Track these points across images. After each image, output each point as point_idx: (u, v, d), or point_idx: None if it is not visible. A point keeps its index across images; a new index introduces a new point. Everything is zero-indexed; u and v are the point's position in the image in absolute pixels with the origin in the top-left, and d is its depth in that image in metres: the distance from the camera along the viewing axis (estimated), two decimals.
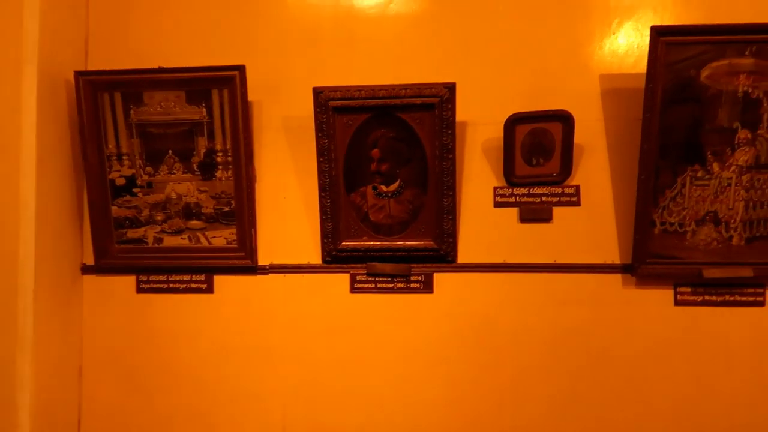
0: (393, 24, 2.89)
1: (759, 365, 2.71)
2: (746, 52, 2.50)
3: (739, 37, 2.48)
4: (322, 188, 2.79)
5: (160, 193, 2.92)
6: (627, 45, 2.77)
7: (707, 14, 2.71)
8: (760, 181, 2.59)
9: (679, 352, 2.75)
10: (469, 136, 2.82)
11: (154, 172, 2.91)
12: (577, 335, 2.79)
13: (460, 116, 2.71)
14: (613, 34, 2.79)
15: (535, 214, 2.78)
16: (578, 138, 2.72)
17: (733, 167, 2.59)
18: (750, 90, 2.53)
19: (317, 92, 2.71)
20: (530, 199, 2.78)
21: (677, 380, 2.75)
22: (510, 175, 2.77)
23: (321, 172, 2.78)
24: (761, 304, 2.69)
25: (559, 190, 2.77)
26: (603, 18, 2.80)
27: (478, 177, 2.82)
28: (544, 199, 2.78)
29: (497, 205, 2.81)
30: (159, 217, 2.94)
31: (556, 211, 2.78)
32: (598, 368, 2.79)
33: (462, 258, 2.82)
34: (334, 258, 2.85)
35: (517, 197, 2.79)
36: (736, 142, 2.57)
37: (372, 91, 2.68)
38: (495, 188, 2.81)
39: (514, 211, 2.80)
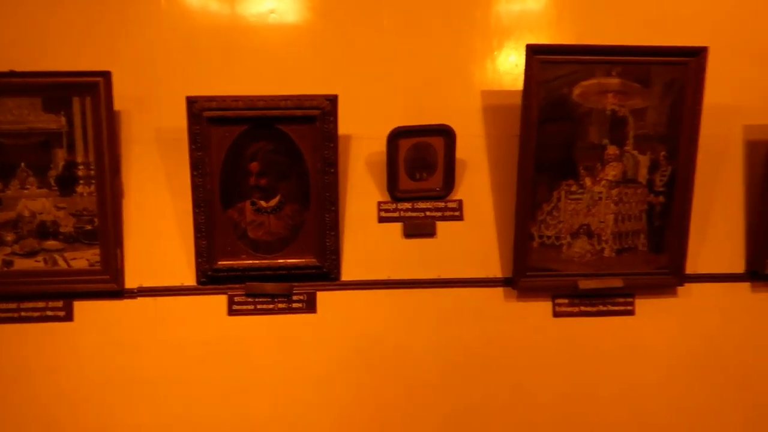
0: (275, 34, 2.78)
1: (630, 371, 2.83)
2: (613, 73, 2.62)
3: (606, 57, 2.60)
4: (196, 204, 2.61)
5: (10, 211, 2.61)
6: (506, 63, 2.83)
7: (579, 35, 2.83)
8: (628, 195, 2.71)
9: (559, 362, 2.81)
10: (353, 149, 2.75)
11: (3, 187, 2.60)
12: (463, 350, 2.78)
13: (343, 129, 2.64)
14: (494, 52, 2.84)
15: (418, 229, 2.75)
16: (461, 153, 2.73)
17: (603, 182, 2.70)
18: (617, 108, 2.65)
19: (191, 102, 2.54)
20: (414, 214, 2.75)
21: (559, 389, 2.81)
22: (394, 190, 2.73)
23: (195, 187, 2.60)
24: (631, 313, 2.81)
25: (442, 204, 2.76)
26: (484, 36, 2.84)
27: (361, 192, 2.75)
28: (427, 213, 2.76)
29: (381, 220, 2.75)
30: (9, 238, 2.63)
31: (440, 225, 2.77)
32: (484, 382, 2.79)
33: (346, 275, 2.74)
34: (209, 278, 2.67)
35: (401, 212, 2.75)
36: (605, 157, 2.68)
37: (250, 102, 2.55)
38: (379, 203, 2.75)
39: (398, 227, 2.76)
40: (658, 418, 2.85)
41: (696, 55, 2.59)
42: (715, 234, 2.85)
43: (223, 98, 2.54)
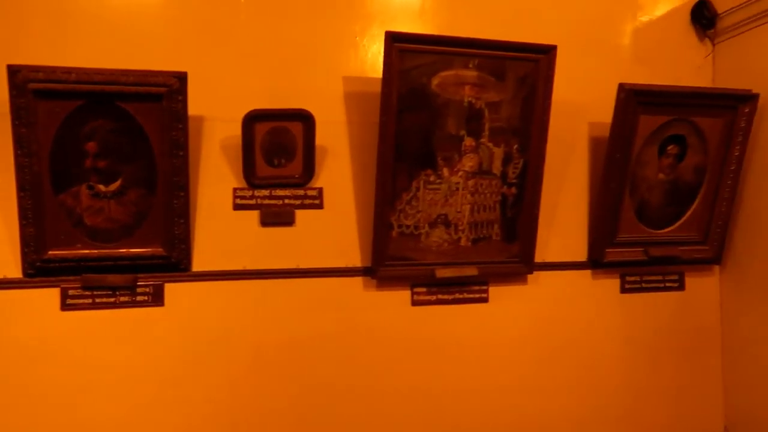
0: (120, 3, 2.54)
1: (485, 356, 2.92)
2: (470, 65, 2.66)
3: (464, 50, 2.63)
4: (21, 187, 2.33)
5: None
6: (369, 50, 2.79)
7: (439, 26, 2.85)
8: (483, 186, 2.79)
9: (419, 349, 2.84)
10: (206, 132, 2.59)
11: None
12: (323, 340, 2.73)
13: (195, 110, 2.47)
14: (356, 38, 2.79)
15: (277, 217, 2.65)
16: (321, 139, 2.66)
17: (460, 172, 2.75)
18: (474, 101, 2.71)
19: (13, 71, 2.25)
20: (272, 202, 2.65)
21: (419, 375, 2.84)
22: (251, 176, 2.61)
23: (20, 168, 2.31)
24: (485, 300, 2.91)
25: (301, 192, 2.68)
26: (348, 21, 2.78)
27: (215, 177, 2.60)
28: (286, 201, 2.67)
29: (237, 207, 2.62)
30: None
31: (299, 214, 2.69)
32: (345, 371, 2.76)
33: (197, 266, 2.58)
34: (39, 270, 2.40)
35: (258, 199, 2.63)
36: (462, 149, 2.73)
37: (85, 75, 2.30)
38: (234, 189, 2.62)
39: (255, 215, 2.64)
40: (510, 398, 2.97)
41: (546, 53, 2.70)
42: (562, 225, 3.01)
43: (53, 69, 2.27)
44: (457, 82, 2.67)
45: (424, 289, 2.83)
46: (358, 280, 2.76)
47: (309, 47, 2.71)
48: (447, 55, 2.63)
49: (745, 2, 2.97)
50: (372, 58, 2.78)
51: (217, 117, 2.59)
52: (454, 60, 2.64)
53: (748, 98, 2.88)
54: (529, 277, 2.95)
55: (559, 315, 3.01)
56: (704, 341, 3.21)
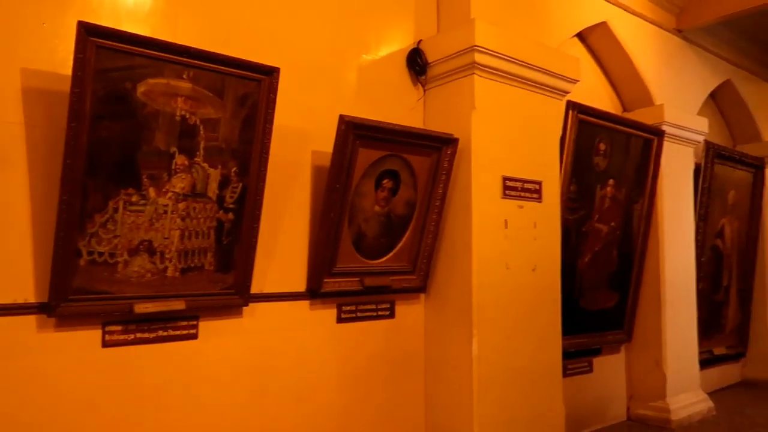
0: None
1: (193, 397, 2.62)
2: (184, 75, 2.40)
3: (177, 57, 2.36)
4: None
5: None
6: (59, 39, 2.33)
7: (155, 27, 2.53)
8: (196, 210, 2.52)
9: (112, 399, 2.41)
10: None
11: None
12: None
13: None
14: (44, 23, 2.31)
15: None
16: None
17: (169, 194, 2.44)
18: (188, 115, 2.44)
19: None
20: None
21: (116, 426, 2.39)
22: None
23: None
24: (194, 336, 2.62)
25: None
26: (33, 1, 2.28)
27: None
28: None
29: None
30: None
31: None
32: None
33: None
34: None
35: None
36: (173, 167, 2.43)
37: None
38: None
39: None
40: None
41: (269, 74, 2.59)
42: (282, 254, 2.91)
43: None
44: (169, 93, 2.38)
45: (119, 328, 2.42)
46: (30, 319, 2.23)
47: None
48: (157, 61, 2.32)
49: (448, 56, 3.29)
50: (62, 50, 2.32)
51: None
52: (165, 67, 2.35)
53: (450, 141, 3.17)
54: (245, 309, 2.76)
55: (275, 348, 2.87)
56: (411, 365, 3.41)
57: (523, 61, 3.37)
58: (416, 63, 3.45)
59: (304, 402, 2.96)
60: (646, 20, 4.62)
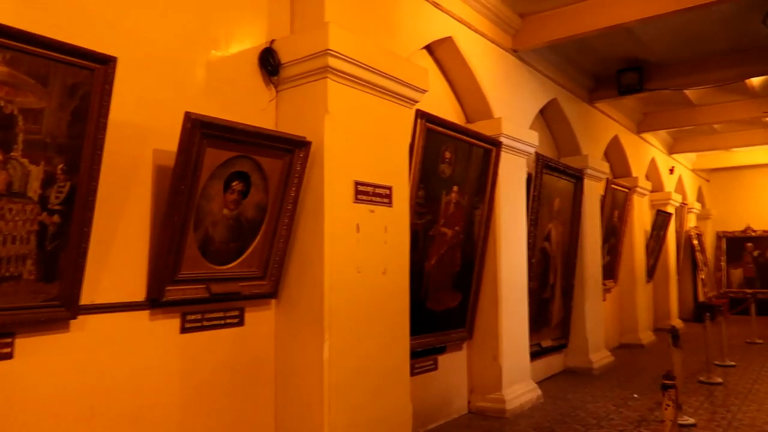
0: None
1: (11, 425, 2.29)
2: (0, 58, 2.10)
3: None
4: None
5: None
6: None
7: None
8: (13, 211, 2.22)
9: None
10: None
11: None
12: None
13: None
14: None
15: None
16: None
17: None
18: (3, 104, 2.14)
19: None
20: None
21: None
22: None
23: None
24: (8, 356, 2.30)
25: None
26: None
27: None
28: None
29: None
30: None
31: None
32: None
33: None
34: None
35: None
36: None
37: None
38: None
39: None
40: None
41: (104, 64, 2.35)
42: (118, 261, 2.66)
43: None
44: None
45: None
46: None
47: None
48: None
49: (302, 58, 3.26)
50: None
51: None
52: None
53: (303, 144, 3.13)
54: (73, 323, 2.48)
55: (108, 364, 2.61)
56: (261, 374, 3.30)
57: (375, 69, 3.44)
58: (269, 63, 3.36)
59: (141, 422, 2.73)
60: (487, 38, 4.96)
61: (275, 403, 3.35)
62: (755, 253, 12.98)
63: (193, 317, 2.97)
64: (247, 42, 3.33)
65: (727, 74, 6.71)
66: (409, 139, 3.93)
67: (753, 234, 13.05)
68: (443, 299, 4.61)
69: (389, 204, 3.58)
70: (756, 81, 7.49)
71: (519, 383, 5.12)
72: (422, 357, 4.45)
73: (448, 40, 4.58)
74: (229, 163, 2.91)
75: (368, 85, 3.45)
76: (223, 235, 3.00)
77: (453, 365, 4.84)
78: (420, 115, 4.01)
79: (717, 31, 5.89)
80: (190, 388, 2.94)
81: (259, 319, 3.32)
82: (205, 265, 2.94)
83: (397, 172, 3.69)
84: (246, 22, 3.33)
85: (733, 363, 6.84)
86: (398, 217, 3.67)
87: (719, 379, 6.01)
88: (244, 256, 3.12)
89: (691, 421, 4.51)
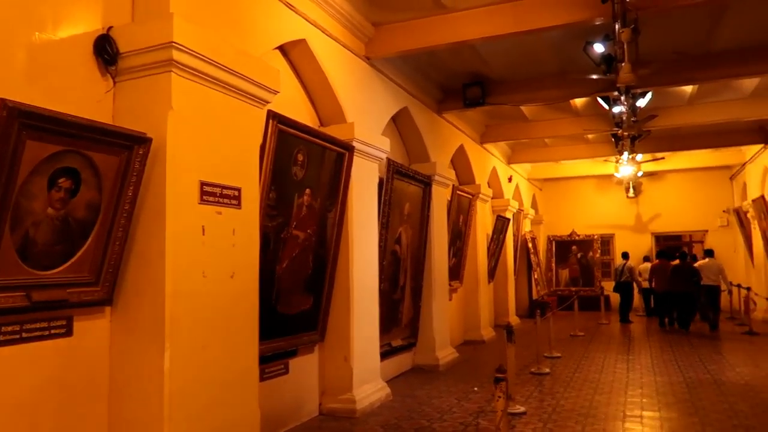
0: None
1: None
2: None
3: None
4: None
5: None
6: None
7: None
8: None
9: None
10: None
11: None
12: None
13: None
14: None
15: None
16: None
17: None
18: None
19: None
20: None
21: None
22: None
23: None
24: None
25: None
26: None
27: None
28: None
29: None
30: None
31: None
32: None
33: None
34: None
35: None
36: None
37: None
38: None
39: None
40: None
41: None
42: None
43: None
44: None
45: None
46: None
47: None
48: None
49: (143, 49, 3.06)
50: None
51: None
52: None
53: (143, 140, 2.94)
54: None
55: None
56: (92, 389, 3.03)
57: (224, 66, 3.33)
58: (106, 51, 3.11)
59: None
60: (341, 44, 5.04)
61: (109, 420, 3.09)
62: (579, 255, 14.55)
63: (9, 329, 2.65)
64: (80, 26, 3.05)
65: (556, 94, 7.47)
66: (260, 140, 3.86)
67: (577, 238, 14.63)
68: (295, 302, 4.58)
69: (238, 206, 3.48)
70: (579, 102, 8.42)
71: (369, 383, 5.24)
72: (273, 361, 4.39)
73: (302, 43, 4.57)
74: (55, 158, 2.65)
75: (216, 82, 3.34)
76: (48, 236, 2.72)
77: (305, 368, 4.82)
78: (272, 116, 3.96)
79: (548, 55, 6.54)
80: (4, 411, 2.61)
81: (91, 329, 3.05)
82: (25, 270, 2.64)
83: (246, 173, 3.60)
84: (79, 3, 3.05)
85: (559, 354, 7.59)
86: (247, 219, 3.58)
87: (547, 370, 6.64)
88: (72, 260, 2.85)
89: (522, 409, 4.93)
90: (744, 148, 11.70)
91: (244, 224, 3.55)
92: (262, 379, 4.12)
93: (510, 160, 11.80)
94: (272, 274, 4.24)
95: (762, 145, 10.49)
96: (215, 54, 3.27)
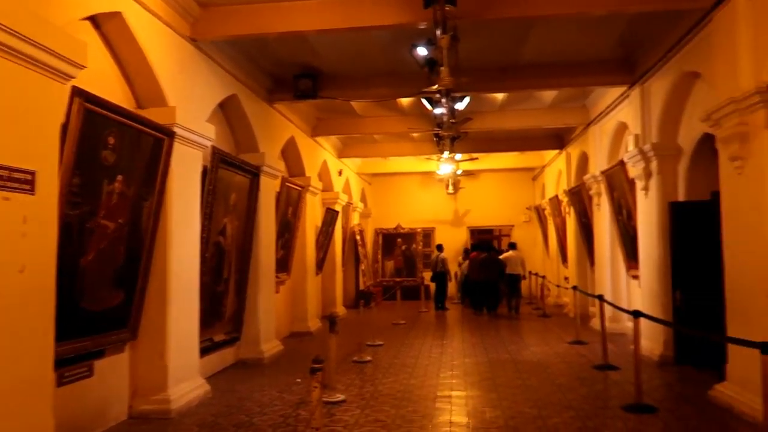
0: None
1: None
2: None
3: None
4: None
5: None
6: None
7: None
8: None
9: None
10: None
11: None
12: None
13: None
14: None
15: None
16: None
17: None
18: None
19: None
20: None
21: None
22: None
23: None
24: None
25: None
26: None
27: None
28: None
29: None
30: None
31: None
32: None
33: None
34: None
35: None
36: None
37: None
38: None
39: None
40: None
41: None
42: None
43: None
44: None
45: None
46: None
47: None
48: None
49: None
50: None
51: None
52: None
53: None
54: None
55: None
56: None
57: (17, 32, 2.92)
58: None
59: None
60: (163, 22, 4.71)
61: None
62: (403, 247, 15.34)
63: None
64: None
65: (385, 92, 7.76)
66: (62, 119, 3.46)
67: (402, 231, 15.40)
68: (102, 298, 4.20)
69: (31, 191, 3.08)
70: (405, 101, 8.84)
71: (187, 381, 5.00)
72: (75, 364, 3.99)
73: (117, 16, 4.19)
74: None
75: (7, 50, 2.92)
76: None
77: (113, 369, 4.45)
78: (77, 92, 3.57)
79: (379, 54, 6.76)
80: None
81: None
82: None
83: (43, 155, 3.20)
84: None
85: (381, 342, 7.93)
86: (43, 206, 3.19)
87: (369, 358, 6.90)
88: None
89: (341, 397, 5.06)
90: (544, 152, 13.22)
91: (39, 212, 3.15)
92: (60, 384, 3.73)
93: (341, 154, 12.01)
94: (75, 266, 3.85)
95: (558, 151, 11.94)
96: (6, 17, 2.85)
